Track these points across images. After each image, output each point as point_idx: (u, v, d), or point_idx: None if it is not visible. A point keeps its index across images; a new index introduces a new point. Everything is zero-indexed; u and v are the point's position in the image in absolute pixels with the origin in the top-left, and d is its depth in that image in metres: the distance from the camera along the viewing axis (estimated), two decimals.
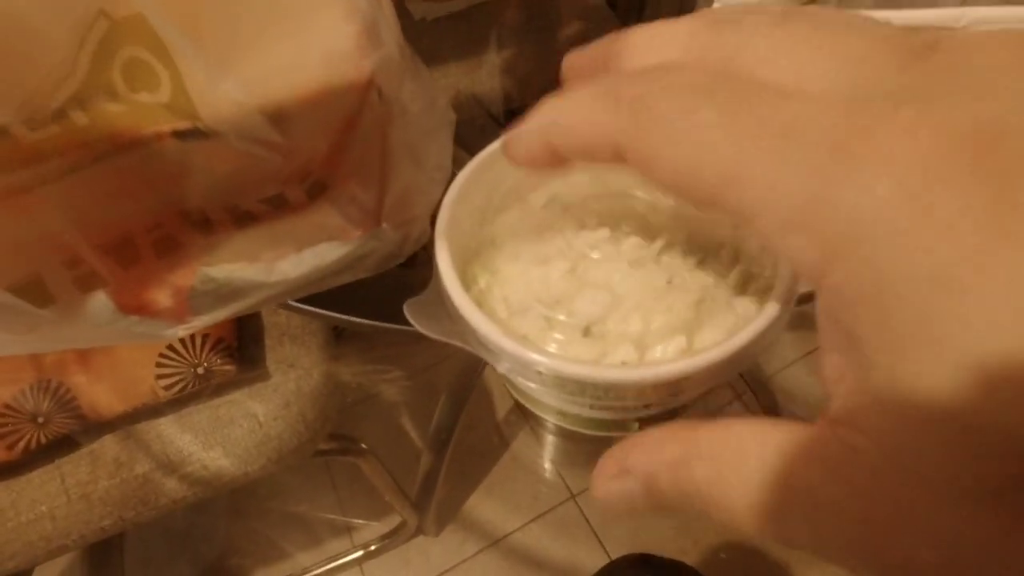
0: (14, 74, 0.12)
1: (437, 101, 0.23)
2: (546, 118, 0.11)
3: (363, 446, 0.62)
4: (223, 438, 0.47)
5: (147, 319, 0.18)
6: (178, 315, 0.18)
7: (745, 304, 0.14)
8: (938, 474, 0.08)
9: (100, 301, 0.17)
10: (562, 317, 0.15)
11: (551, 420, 0.17)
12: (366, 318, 0.29)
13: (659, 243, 0.15)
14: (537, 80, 0.60)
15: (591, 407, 0.16)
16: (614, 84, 0.10)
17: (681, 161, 0.09)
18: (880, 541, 0.08)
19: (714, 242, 0.15)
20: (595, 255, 0.15)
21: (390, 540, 0.80)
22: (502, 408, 0.93)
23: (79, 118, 0.14)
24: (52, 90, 0.13)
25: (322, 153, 0.17)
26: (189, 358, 0.45)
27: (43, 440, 0.43)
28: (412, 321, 0.15)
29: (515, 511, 0.85)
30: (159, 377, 0.45)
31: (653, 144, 0.09)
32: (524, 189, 0.18)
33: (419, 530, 0.81)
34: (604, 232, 0.16)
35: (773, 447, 0.09)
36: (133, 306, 0.18)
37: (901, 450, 0.08)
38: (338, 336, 0.55)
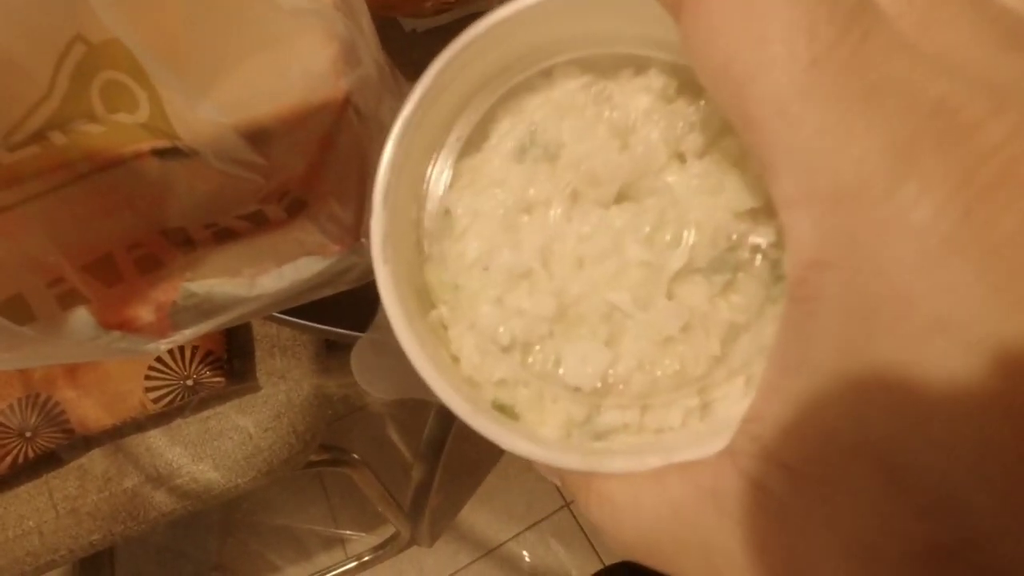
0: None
1: None
2: None
3: (355, 456, 0.61)
4: (213, 450, 0.47)
5: (129, 335, 0.18)
6: (160, 330, 0.18)
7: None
8: (856, 528, 0.07)
9: (82, 318, 0.17)
10: (546, 373, 0.12)
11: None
12: (353, 330, 0.30)
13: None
14: None
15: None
16: None
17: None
18: None
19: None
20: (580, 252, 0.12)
21: (383, 551, 0.80)
22: None
23: (57, 138, 0.14)
24: (29, 113, 0.13)
25: (300, 171, 0.17)
26: (178, 371, 0.45)
27: (31, 455, 0.43)
28: (356, 376, 0.13)
29: (509, 520, 0.85)
30: (148, 390, 0.45)
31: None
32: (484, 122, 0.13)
33: (412, 541, 0.80)
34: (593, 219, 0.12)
35: (669, 497, 0.09)
36: (115, 322, 0.18)
37: (819, 486, 0.07)
38: (328, 348, 0.55)
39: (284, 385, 0.50)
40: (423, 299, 0.12)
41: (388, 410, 0.92)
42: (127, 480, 0.46)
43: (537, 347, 0.12)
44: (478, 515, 0.85)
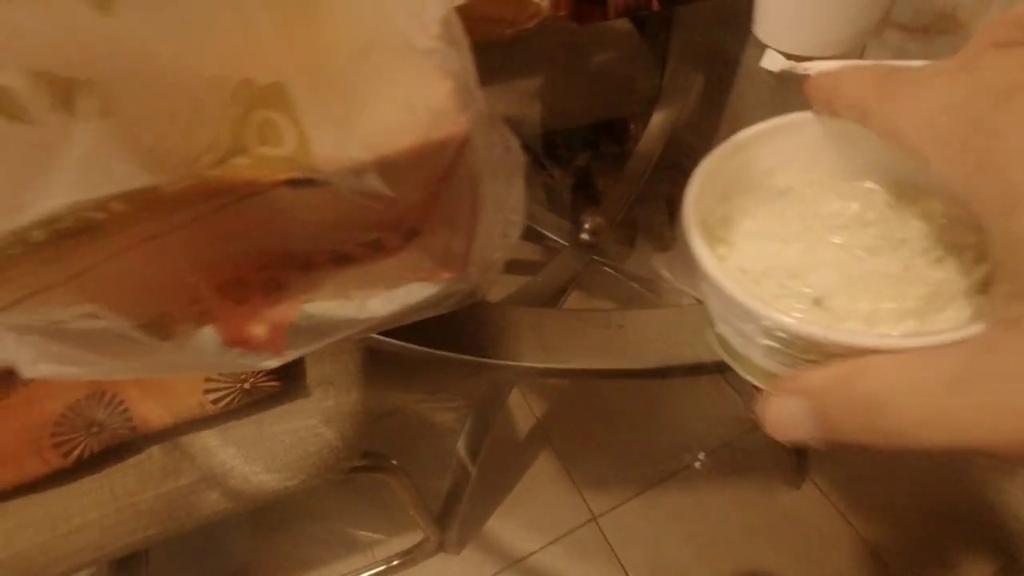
0: (175, 143, 0.13)
1: (511, 147, 0.24)
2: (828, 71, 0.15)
3: (394, 463, 0.62)
4: (264, 452, 0.48)
5: (248, 352, 0.19)
6: (276, 348, 0.19)
7: (983, 302, 0.14)
8: None
9: (209, 335, 0.18)
10: (797, 287, 0.16)
11: (757, 383, 0.17)
12: (402, 340, 0.31)
13: (898, 236, 0.16)
14: (568, 105, 0.62)
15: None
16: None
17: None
18: None
19: (957, 244, 0.16)
20: (835, 239, 0.16)
21: (411, 556, 0.81)
22: (524, 427, 0.94)
23: (214, 172, 0.16)
24: (201, 155, 0.14)
25: (419, 202, 0.18)
26: (237, 374, 0.46)
27: (96, 449, 0.45)
28: (660, 271, 0.17)
29: (536, 531, 0.85)
30: (207, 391, 0.46)
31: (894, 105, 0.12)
32: (762, 175, 0.19)
33: (440, 547, 0.81)
34: (843, 220, 0.17)
35: (946, 360, 0.11)
36: (237, 339, 0.19)
37: None
38: (372, 357, 0.56)
39: (333, 391, 0.51)
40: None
41: (425, 411, 0.93)
42: (183, 478, 0.47)
43: (793, 278, 0.16)
44: (505, 525, 0.86)
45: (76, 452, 0.44)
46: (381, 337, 0.32)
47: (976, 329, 0.12)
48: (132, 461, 0.47)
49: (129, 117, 0.13)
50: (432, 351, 0.29)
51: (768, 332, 0.15)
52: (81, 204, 0.12)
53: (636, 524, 0.87)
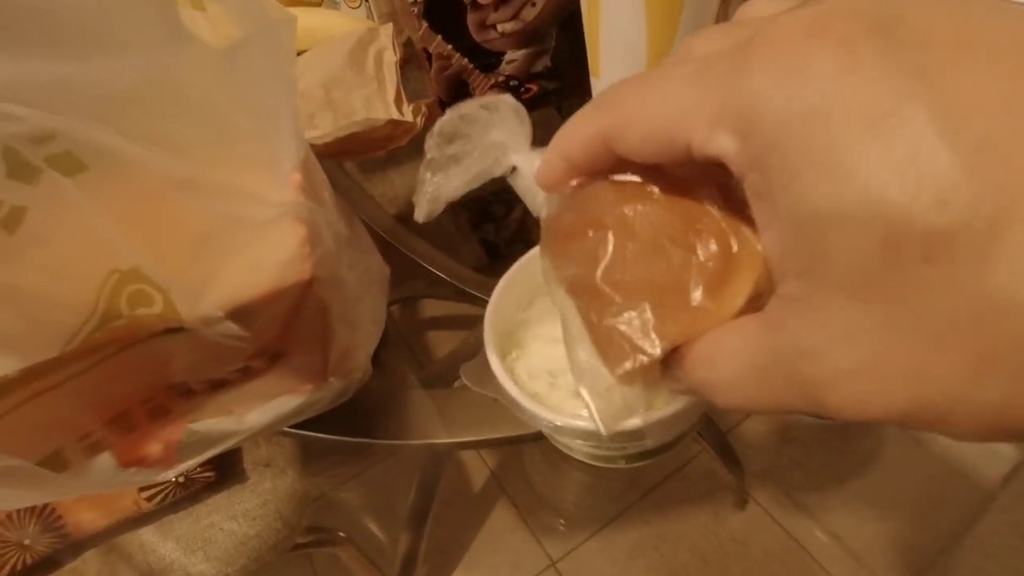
0: (59, 324, 0.17)
1: (371, 262, 0.29)
2: (554, 140, 0.15)
3: (341, 534, 0.64)
4: (204, 542, 0.50)
5: (143, 469, 0.22)
6: (168, 462, 0.23)
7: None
8: (835, 271, 0.10)
9: (105, 461, 0.22)
10: (562, 382, 0.20)
11: (569, 453, 0.23)
12: (325, 433, 0.34)
13: None
14: None
15: (585, 445, 0.21)
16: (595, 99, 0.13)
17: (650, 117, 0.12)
18: (804, 362, 0.10)
19: None
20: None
21: None
22: (478, 481, 0.96)
23: (96, 336, 0.19)
24: (81, 327, 0.18)
25: (276, 334, 0.22)
26: None
27: (28, 561, 0.45)
28: (466, 380, 0.21)
29: None
30: (141, 490, 0.48)
31: (625, 118, 0.12)
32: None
33: None
34: None
35: (751, 336, 0.12)
36: (132, 460, 0.22)
37: (809, 258, 0.10)
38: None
39: (269, 472, 0.53)
40: (503, 349, 0.21)
41: (368, 485, 0.94)
42: None
43: (560, 374, 0.21)
44: None
45: (7, 568, 0.45)
46: (294, 430, 0.35)
47: (677, 405, 0.17)
48: (67, 569, 0.48)
49: (26, 313, 0.17)
50: (353, 439, 0.33)
51: (538, 420, 0.19)
52: None
53: (594, 564, 0.89)
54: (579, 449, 0.23)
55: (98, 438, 0.21)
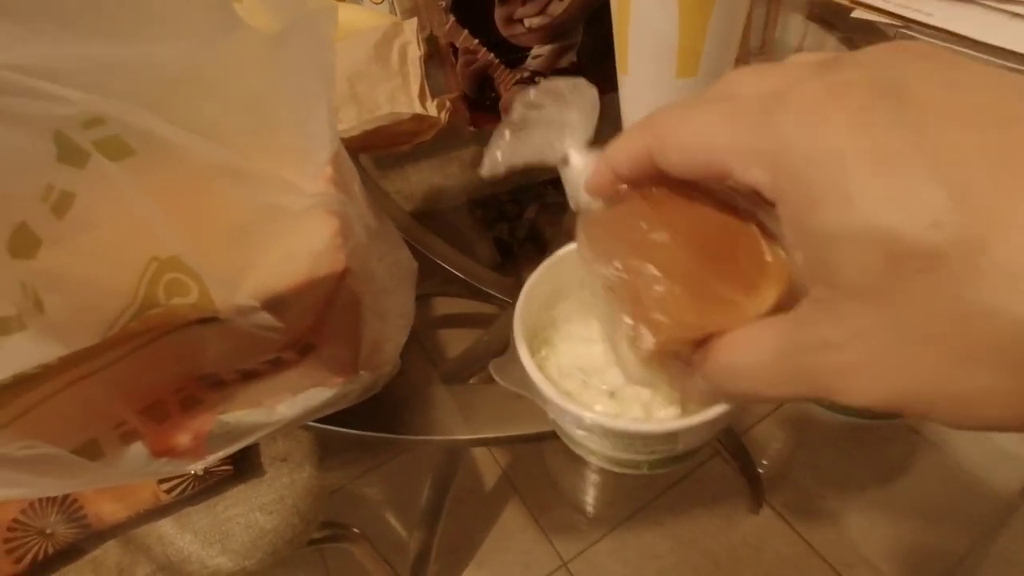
0: (102, 311, 0.17)
1: (400, 255, 0.29)
2: (605, 153, 0.17)
3: (355, 531, 0.64)
4: (221, 535, 0.50)
5: (174, 459, 0.22)
6: (198, 453, 0.23)
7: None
8: (850, 280, 0.12)
9: (137, 450, 0.22)
10: (596, 382, 0.20)
11: (585, 456, 0.23)
12: (348, 428, 0.34)
13: None
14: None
15: (612, 448, 0.21)
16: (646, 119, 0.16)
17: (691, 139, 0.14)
18: (824, 359, 0.12)
19: None
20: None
21: None
22: (490, 479, 0.96)
23: (133, 324, 0.19)
24: (120, 315, 0.18)
25: (309, 325, 0.22)
26: None
27: (50, 551, 0.46)
28: (495, 376, 0.21)
29: None
30: (161, 481, 0.48)
31: (670, 140, 0.14)
32: (576, 285, 0.23)
33: None
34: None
35: (778, 328, 0.14)
36: (163, 450, 0.22)
37: (828, 270, 0.12)
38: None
39: (286, 467, 0.53)
40: (531, 347, 0.21)
41: (382, 481, 0.94)
42: (140, 570, 0.48)
43: (594, 373, 0.21)
44: None
45: (29, 556, 0.45)
46: (317, 424, 0.35)
47: (717, 410, 0.17)
48: (87, 559, 0.48)
49: (72, 299, 0.17)
50: (376, 434, 0.32)
51: (574, 419, 0.19)
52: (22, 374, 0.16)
53: (606, 565, 0.89)
54: (600, 452, 0.22)
55: (131, 427, 0.21)
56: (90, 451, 0.20)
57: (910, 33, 0.50)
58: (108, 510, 0.47)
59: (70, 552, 0.47)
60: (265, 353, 0.22)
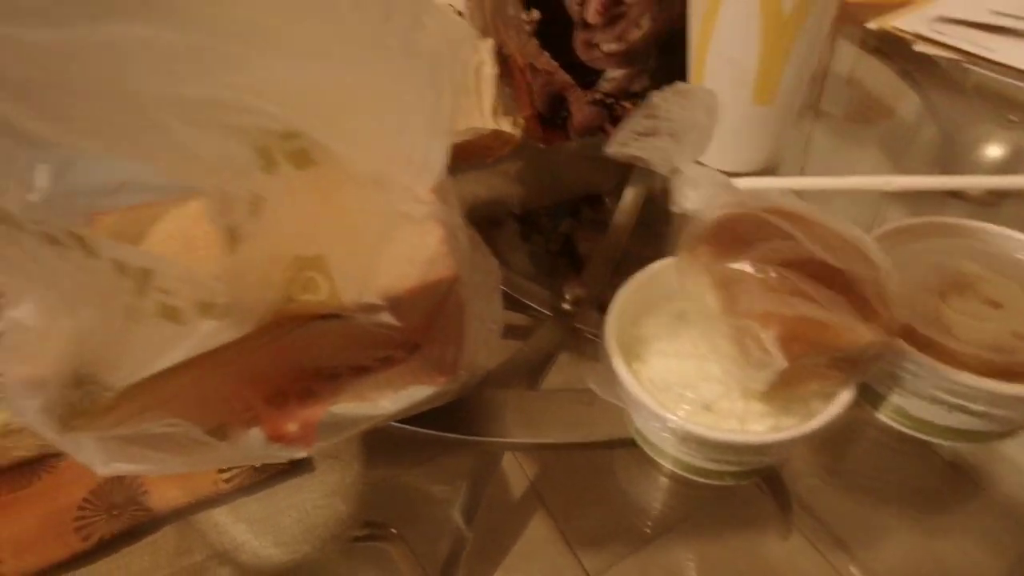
0: (259, 304, 0.19)
1: (490, 267, 0.30)
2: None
3: (393, 531, 0.65)
4: (273, 527, 0.51)
5: (286, 446, 0.24)
6: (307, 441, 0.24)
7: (816, 403, 0.21)
8: None
9: (256, 435, 0.23)
10: (691, 395, 0.21)
11: (668, 466, 0.25)
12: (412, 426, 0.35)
13: None
14: (543, 185, 0.69)
15: (703, 458, 0.22)
16: None
17: None
18: None
19: None
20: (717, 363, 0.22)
21: None
22: (517, 490, 0.96)
23: (268, 317, 0.21)
24: (268, 308, 0.20)
25: (419, 326, 0.24)
26: None
27: (115, 531, 0.48)
28: (591, 386, 0.23)
29: None
30: (221, 471, 0.50)
31: None
32: (663, 300, 0.25)
33: None
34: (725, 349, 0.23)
35: None
36: (276, 436, 0.24)
37: None
38: (373, 432, 0.60)
39: (337, 465, 0.54)
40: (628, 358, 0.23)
41: (420, 480, 0.95)
42: (195, 555, 0.50)
43: (688, 387, 0.22)
44: None
45: (97, 535, 0.47)
46: (397, 424, 0.37)
47: (813, 423, 0.18)
48: (146, 541, 0.50)
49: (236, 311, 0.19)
50: (435, 432, 0.34)
51: (670, 430, 0.20)
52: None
53: None
54: (687, 463, 0.23)
55: (255, 413, 0.23)
56: (219, 433, 0.22)
57: (971, 67, 0.51)
58: (170, 495, 0.49)
59: (133, 533, 0.48)
60: (379, 350, 0.23)
